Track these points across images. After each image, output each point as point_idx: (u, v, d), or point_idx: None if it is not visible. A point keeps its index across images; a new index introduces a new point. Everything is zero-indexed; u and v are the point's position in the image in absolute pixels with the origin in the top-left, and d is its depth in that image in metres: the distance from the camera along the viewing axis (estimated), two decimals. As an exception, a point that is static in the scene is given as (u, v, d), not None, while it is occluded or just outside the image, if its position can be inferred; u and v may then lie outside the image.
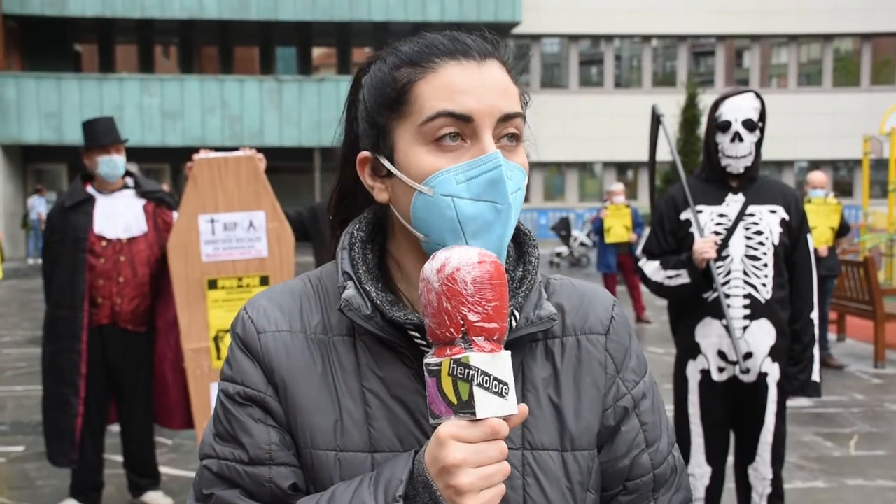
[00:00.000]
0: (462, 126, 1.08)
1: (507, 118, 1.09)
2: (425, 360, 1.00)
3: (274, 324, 1.17)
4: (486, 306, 0.98)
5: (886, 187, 14.22)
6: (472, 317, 0.97)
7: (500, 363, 0.97)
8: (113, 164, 4.45)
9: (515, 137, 1.12)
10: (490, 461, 0.97)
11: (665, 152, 4.00)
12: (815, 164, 26.09)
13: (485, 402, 0.96)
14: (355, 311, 1.12)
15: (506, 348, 1.02)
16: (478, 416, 0.95)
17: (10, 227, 21.85)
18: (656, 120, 3.82)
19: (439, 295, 0.98)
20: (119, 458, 5.04)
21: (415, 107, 1.10)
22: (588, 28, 27.34)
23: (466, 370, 0.96)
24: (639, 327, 11.26)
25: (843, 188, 27.53)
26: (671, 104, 19.30)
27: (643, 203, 16.60)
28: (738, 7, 27.11)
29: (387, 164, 1.13)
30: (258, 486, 1.12)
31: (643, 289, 11.54)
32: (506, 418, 0.98)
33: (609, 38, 27.86)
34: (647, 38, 27.99)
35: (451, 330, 0.97)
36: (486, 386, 0.96)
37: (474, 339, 0.97)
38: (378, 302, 1.12)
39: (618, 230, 11.15)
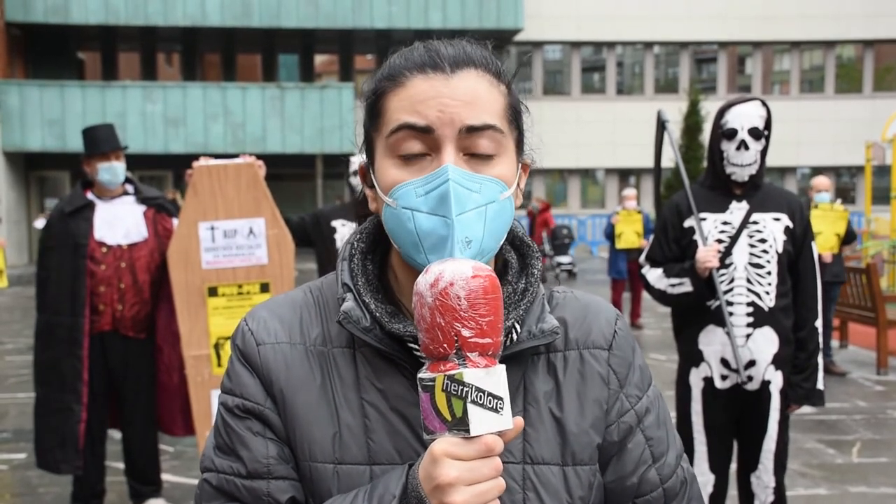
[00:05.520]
0: (424, 138, 1.07)
1: (473, 130, 1.07)
2: (419, 375, 0.99)
3: (273, 335, 1.17)
4: (480, 321, 0.96)
5: (889, 194, 14.20)
6: (465, 332, 0.95)
7: (494, 378, 0.96)
8: (113, 170, 4.46)
9: (488, 150, 1.08)
10: (484, 478, 0.96)
11: (669, 158, 3.97)
12: (818, 171, 25.95)
13: (479, 419, 0.94)
14: (354, 323, 1.11)
15: (507, 361, 1.01)
16: (472, 434, 0.94)
17: (13, 235, 21.85)
18: (661, 125, 3.79)
19: (432, 310, 0.96)
20: (121, 466, 5.04)
21: (384, 119, 1.11)
22: (590, 35, 27.35)
23: (460, 387, 0.94)
24: (638, 333, 11.24)
25: (845, 195, 27.47)
26: (673, 111, 19.22)
27: (644, 209, 16.54)
28: (740, 14, 27.09)
29: (371, 174, 1.15)
30: (256, 500, 1.11)
31: (645, 296, 11.53)
32: (501, 433, 0.97)
33: (611, 44, 27.86)
34: (649, 45, 27.98)
35: (445, 346, 0.96)
36: (481, 402, 0.94)
37: (468, 354, 0.96)
38: (377, 314, 1.11)
39: (629, 236, 11.10)
